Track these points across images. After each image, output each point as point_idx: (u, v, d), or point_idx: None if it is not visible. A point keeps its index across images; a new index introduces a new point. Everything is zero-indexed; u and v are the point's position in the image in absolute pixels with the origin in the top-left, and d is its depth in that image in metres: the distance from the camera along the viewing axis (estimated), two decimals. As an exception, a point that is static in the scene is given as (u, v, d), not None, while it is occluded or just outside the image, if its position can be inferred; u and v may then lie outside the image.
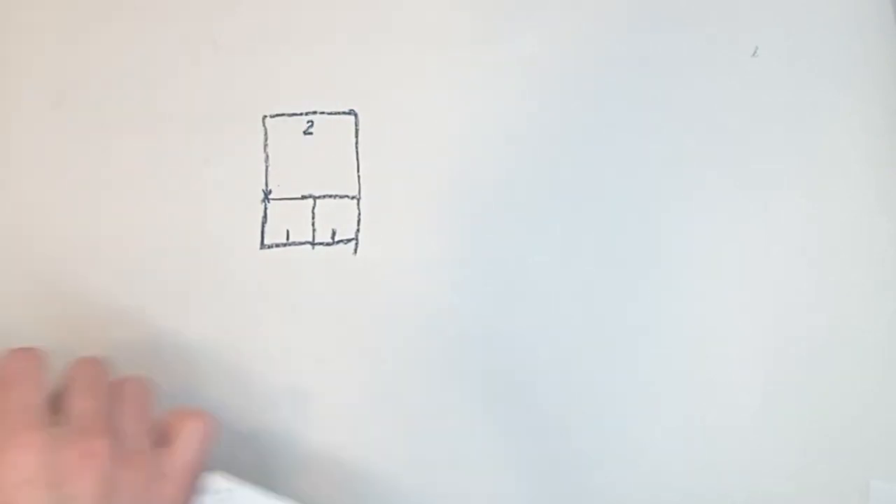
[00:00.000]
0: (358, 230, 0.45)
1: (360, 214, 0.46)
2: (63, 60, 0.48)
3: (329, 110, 0.47)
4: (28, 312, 0.43)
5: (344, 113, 0.47)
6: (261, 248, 0.45)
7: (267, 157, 0.46)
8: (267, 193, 0.46)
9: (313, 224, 0.45)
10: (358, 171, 0.46)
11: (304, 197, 0.46)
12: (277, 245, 0.45)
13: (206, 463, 0.36)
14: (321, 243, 0.45)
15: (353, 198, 0.46)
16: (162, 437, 0.35)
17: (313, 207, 0.46)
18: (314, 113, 0.47)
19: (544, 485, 0.43)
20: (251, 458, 0.42)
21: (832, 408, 0.42)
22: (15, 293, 0.43)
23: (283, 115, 0.47)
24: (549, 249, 0.44)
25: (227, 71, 0.48)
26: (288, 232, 0.45)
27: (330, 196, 0.46)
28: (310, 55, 0.48)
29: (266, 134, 0.46)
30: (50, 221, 0.44)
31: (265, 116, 0.47)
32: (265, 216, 0.45)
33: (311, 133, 0.47)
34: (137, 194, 0.46)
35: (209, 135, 0.46)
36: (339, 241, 0.45)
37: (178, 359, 0.43)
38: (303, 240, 0.45)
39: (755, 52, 0.47)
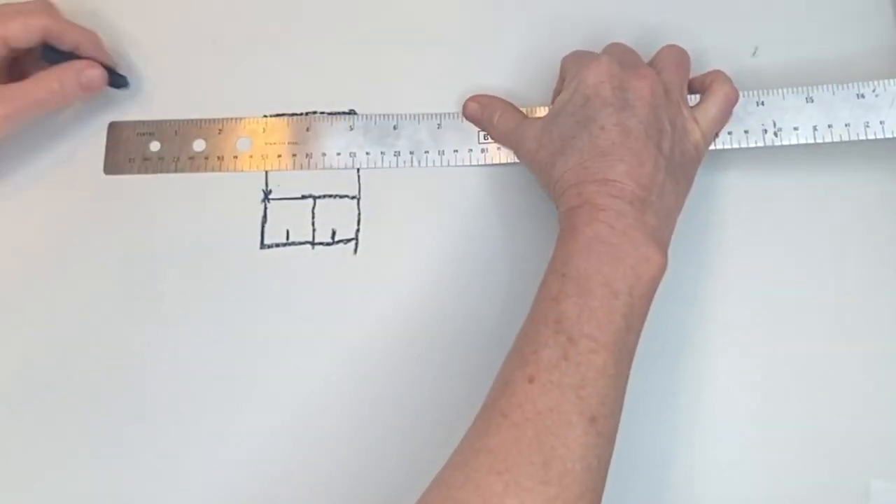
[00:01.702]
0: (358, 230, 0.45)
1: (360, 214, 0.46)
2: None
3: (329, 110, 0.47)
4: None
5: (344, 113, 0.47)
6: (261, 248, 0.45)
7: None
8: (267, 193, 0.46)
9: (313, 224, 0.45)
10: (358, 171, 0.46)
11: (304, 197, 0.46)
12: (277, 245, 0.45)
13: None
14: (321, 243, 0.45)
15: (353, 198, 0.46)
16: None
17: (313, 207, 0.46)
18: (314, 113, 0.47)
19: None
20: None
21: (832, 408, 0.42)
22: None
23: (283, 114, 0.47)
24: (549, 250, 0.44)
25: (227, 71, 0.48)
26: (288, 232, 0.45)
27: (330, 196, 0.46)
28: (310, 55, 0.48)
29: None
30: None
31: (265, 116, 0.47)
32: (265, 216, 0.46)
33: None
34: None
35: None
36: (339, 241, 0.45)
37: (178, 357, 0.43)
38: (303, 240, 0.45)
39: (755, 53, 0.47)
